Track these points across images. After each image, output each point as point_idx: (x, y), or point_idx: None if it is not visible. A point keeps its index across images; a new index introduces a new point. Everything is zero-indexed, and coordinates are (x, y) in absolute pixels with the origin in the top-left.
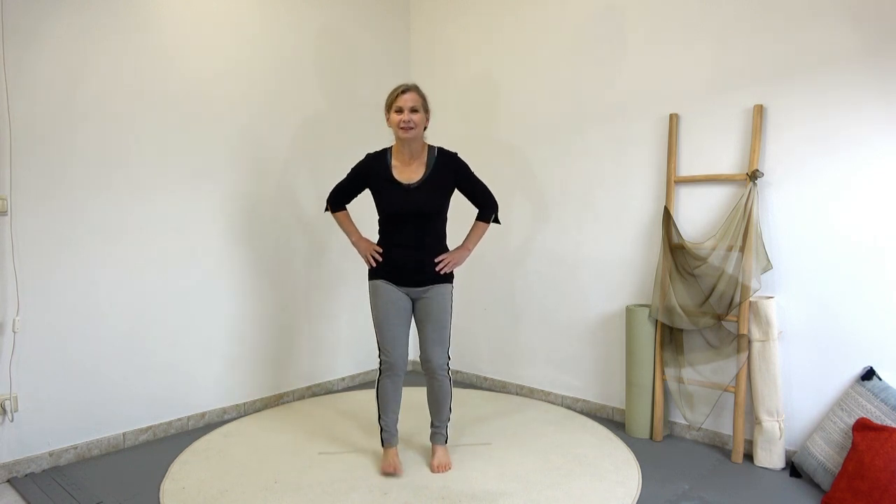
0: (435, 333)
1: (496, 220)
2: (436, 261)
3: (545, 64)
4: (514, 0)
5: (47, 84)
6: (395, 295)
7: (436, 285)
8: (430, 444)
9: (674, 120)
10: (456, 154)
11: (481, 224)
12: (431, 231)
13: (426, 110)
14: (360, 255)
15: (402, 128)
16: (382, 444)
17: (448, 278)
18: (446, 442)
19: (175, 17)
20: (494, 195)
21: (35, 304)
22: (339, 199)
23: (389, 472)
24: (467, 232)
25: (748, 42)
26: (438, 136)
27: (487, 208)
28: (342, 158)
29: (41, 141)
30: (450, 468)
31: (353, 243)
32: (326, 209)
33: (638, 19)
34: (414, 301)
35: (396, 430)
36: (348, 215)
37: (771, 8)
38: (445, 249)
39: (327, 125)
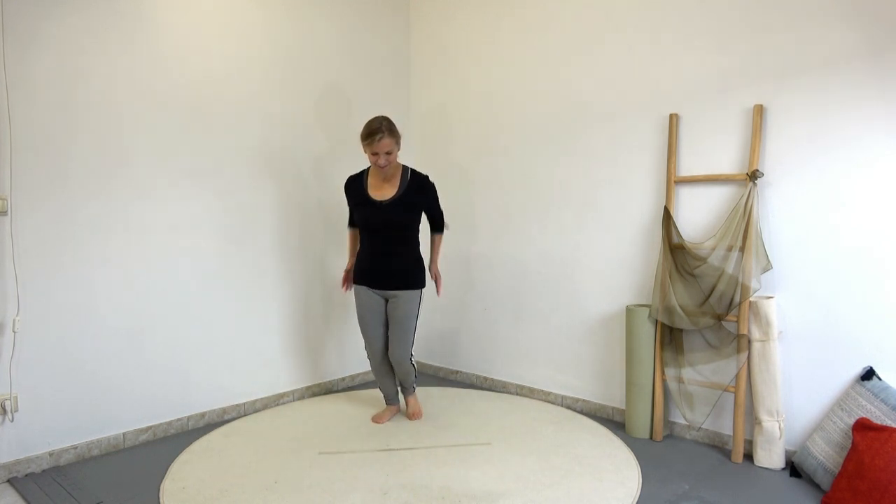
0: (397, 334)
1: (445, 227)
2: (438, 292)
3: (545, 63)
4: (514, 0)
5: (47, 84)
6: (371, 298)
7: (405, 291)
8: (428, 447)
9: (674, 120)
10: (427, 177)
11: (439, 235)
12: (402, 241)
13: (399, 144)
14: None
15: (377, 166)
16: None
17: (416, 285)
18: (414, 391)
19: (175, 18)
20: (498, 193)
21: (35, 304)
22: (350, 218)
23: (376, 421)
24: (430, 246)
25: (748, 42)
26: (437, 136)
27: (439, 224)
28: (343, 159)
29: (41, 141)
30: (422, 414)
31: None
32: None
33: (638, 19)
34: (386, 301)
35: (395, 392)
36: (353, 238)
37: (771, 8)
38: (417, 256)
39: (327, 124)
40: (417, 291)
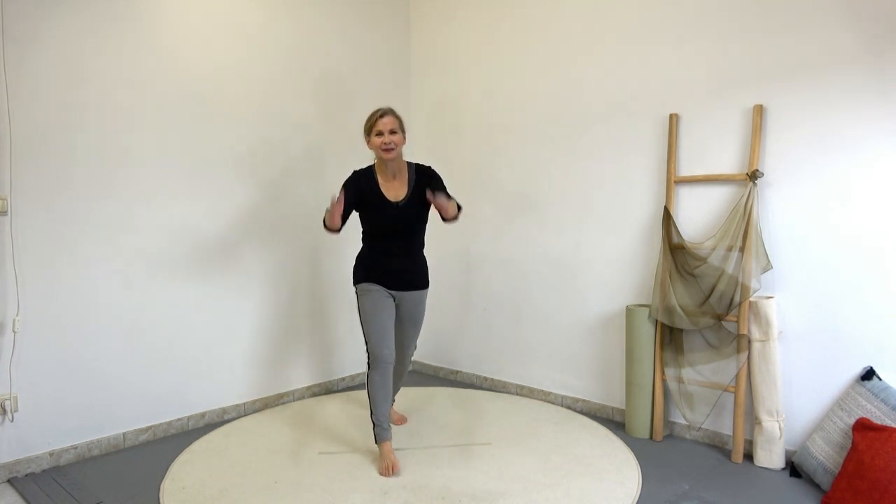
0: (413, 332)
1: (458, 209)
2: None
3: (544, 63)
4: (514, 0)
5: (47, 84)
6: (383, 294)
7: (420, 290)
8: (428, 447)
9: (674, 120)
10: (430, 167)
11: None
12: (416, 240)
13: (403, 131)
14: (331, 205)
15: (384, 150)
16: (376, 441)
17: (426, 284)
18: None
19: (175, 17)
20: (498, 194)
21: (35, 304)
22: (336, 218)
23: (388, 474)
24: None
25: (748, 42)
26: (437, 136)
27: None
28: (342, 159)
29: (41, 141)
30: (406, 419)
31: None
32: (328, 228)
33: (638, 19)
34: (397, 301)
35: (389, 425)
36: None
37: (771, 8)
38: (423, 256)
39: (327, 125)
40: (428, 290)
